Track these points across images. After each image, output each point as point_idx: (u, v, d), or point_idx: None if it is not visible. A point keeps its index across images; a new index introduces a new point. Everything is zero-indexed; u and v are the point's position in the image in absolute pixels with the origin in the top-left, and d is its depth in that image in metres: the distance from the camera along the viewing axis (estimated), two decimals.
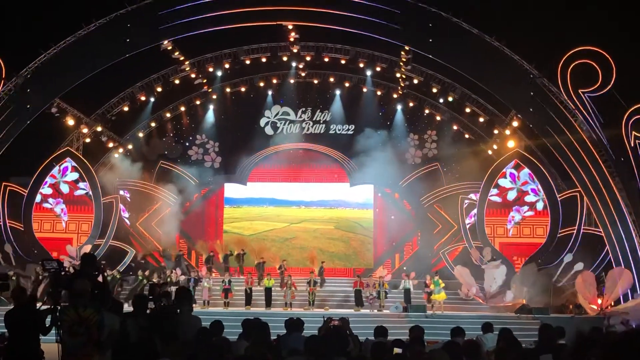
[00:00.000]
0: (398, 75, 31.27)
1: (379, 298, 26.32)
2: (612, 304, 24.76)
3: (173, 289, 24.63)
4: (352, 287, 27.11)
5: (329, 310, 24.77)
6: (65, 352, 7.24)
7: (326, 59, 31.50)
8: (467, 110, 31.37)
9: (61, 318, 7.32)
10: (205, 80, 32.56)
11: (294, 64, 32.33)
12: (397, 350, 8.36)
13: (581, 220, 27.40)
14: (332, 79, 33.30)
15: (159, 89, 31.47)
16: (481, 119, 31.36)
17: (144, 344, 6.31)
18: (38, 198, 29.38)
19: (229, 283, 26.58)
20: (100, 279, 8.24)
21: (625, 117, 25.37)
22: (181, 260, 31.15)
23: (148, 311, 8.74)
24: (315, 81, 33.84)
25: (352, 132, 33.74)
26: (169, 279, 26.58)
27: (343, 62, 31.42)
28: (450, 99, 31.16)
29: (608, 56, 25.08)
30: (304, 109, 34.22)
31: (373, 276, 29.80)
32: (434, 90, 31.18)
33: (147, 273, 27.98)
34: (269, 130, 34.09)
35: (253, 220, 34.22)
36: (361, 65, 31.26)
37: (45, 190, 29.69)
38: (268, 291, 26.49)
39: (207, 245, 32.09)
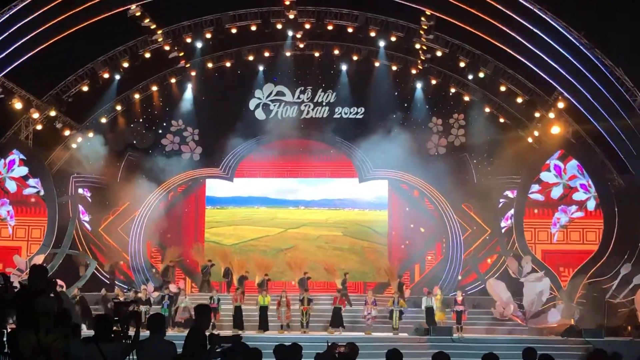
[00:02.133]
0: (417, 46, 31.18)
1: (392, 319, 26.34)
2: None
3: (144, 308, 24.85)
4: (354, 305, 27.26)
5: (334, 334, 24.79)
6: None
7: (329, 27, 31.43)
8: (502, 88, 31.28)
9: (16, 344, 7.25)
10: (182, 54, 32.47)
11: (290, 33, 32.24)
12: None
13: None
14: (336, 52, 33.23)
15: (126, 65, 31.39)
16: (519, 100, 31.28)
17: None
18: None
19: (217, 301, 26.61)
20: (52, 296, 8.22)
21: None
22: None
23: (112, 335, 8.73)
24: (317, 54, 33.76)
25: (361, 116, 33.71)
26: (137, 297, 26.51)
27: (350, 30, 31.33)
28: (481, 74, 31.07)
29: None
30: (302, 88, 34.17)
31: (388, 292, 29.81)
32: (462, 64, 31.10)
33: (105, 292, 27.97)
34: (260, 114, 34.05)
35: (238, 225, 34.19)
36: (372, 34, 31.17)
37: None
38: (263, 311, 26.46)
39: (179, 252, 32.20)
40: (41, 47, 26.77)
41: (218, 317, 26.36)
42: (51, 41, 26.78)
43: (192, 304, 26.75)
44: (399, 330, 26.12)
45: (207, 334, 8.66)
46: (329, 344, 10.80)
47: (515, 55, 27.28)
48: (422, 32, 29.67)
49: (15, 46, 26.90)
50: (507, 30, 26.36)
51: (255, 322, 26.54)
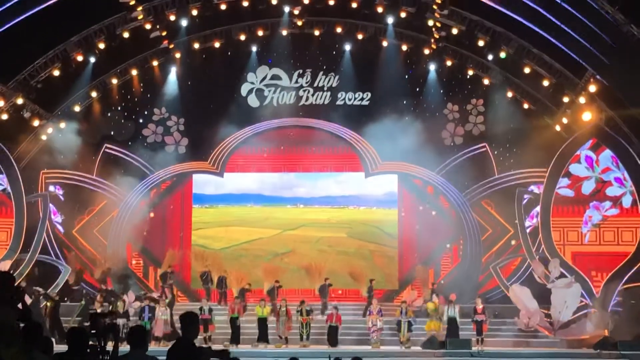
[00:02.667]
0: (431, 23, 31.13)
1: (400, 331, 26.34)
2: None
3: (121, 321, 24.82)
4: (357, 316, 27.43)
5: (339, 348, 24.84)
6: None
7: (331, 2, 31.39)
8: (527, 70, 31.25)
9: None
10: (165, 33, 32.41)
11: (286, 9, 32.23)
12: None
13: None
14: (339, 30, 33.17)
15: (102, 46, 31.35)
16: (546, 83, 31.25)
17: None
18: None
19: (209, 312, 26.61)
20: (20, 306, 8.21)
21: None
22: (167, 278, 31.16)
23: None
24: (317, 33, 33.73)
25: (367, 103, 33.76)
26: (115, 308, 26.50)
27: (354, 5, 31.30)
28: (502, 55, 31.03)
29: None
30: (300, 71, 34.20)
31: (397, 300, 29.85)
32: (480, 43, 31.06)
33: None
34: (253, 101, 34.07)
35: (228, 226, 34.18)
36: (380, 10, 31.14)
37: None
38: (262, 323, 26.51)
39: (174, 255, 32.33)
40: (6, 26, 26.67)
41: (212, 328, 26.45)
42: (17, 19, 26.69)
43: (175, 314, 26.80)
44: (410, 343, 26.11)
45: (197, 345, 8.63)
46: (332, 359, 10.79)
47: (540, 32, 27.21)
48: (435, 6, 29.59)
49: None
50: (532, 4, 26.29)
51: (252, 335, 26.59)
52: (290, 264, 33.04)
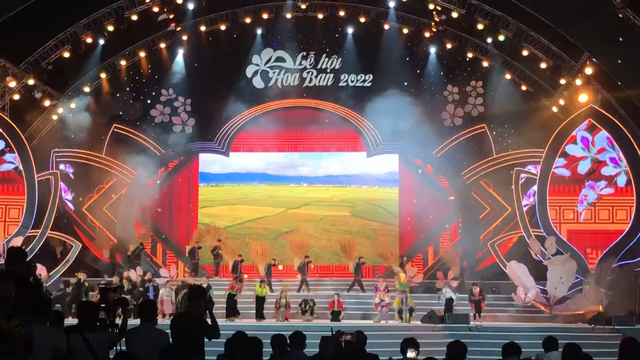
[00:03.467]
0: (431, 6, 31.07)
1: (401, 316, 26.37)
2: None
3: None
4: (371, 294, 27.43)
5: (342, 322, 24.91)
6: None
7: None
8: (525, 53, 31.20)
9: None
10: (172, 16, 32.36)
11: None
12: None
13: None
14: (342, 13, 33.11)
15: (111, 28, 31.31)
16: (543, 65, 31.19)
17: None
18: None
19: (207, 289, 26.65)
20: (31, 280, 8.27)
21: None
22: (141, 255, 31.29)
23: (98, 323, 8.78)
24: (320, 16, 33.67)
25: (369, 84, 33.67)
26: (121, 283, 26.55)
27: None
28: (501, 38, 30.97)
29: None
30: (304, 53, 34.11)
31: (396, 277, 29.90)
32: (480, 26, 30.98)
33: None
34: (258, 82, 34.01)
35: (234, 205, 34.24)
36: None
37: None
38: (260, 301, 26.63)
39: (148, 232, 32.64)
40: (17, 9, 26.61)
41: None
42: (28, 2, 26.63)
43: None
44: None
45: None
46: (334, 332, 10.84)
47: (538, 16, 27.14)
48: None
49: None
50: None
51: (249, 310, 26.74)
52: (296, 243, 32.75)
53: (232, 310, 26.40)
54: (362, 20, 33.29)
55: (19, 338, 6.96)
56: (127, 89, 34.42)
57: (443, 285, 27.80)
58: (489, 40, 31.58)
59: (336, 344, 10.16)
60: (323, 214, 33.88)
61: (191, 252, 31.61)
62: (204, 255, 31.69)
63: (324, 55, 34.04)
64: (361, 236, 33.33)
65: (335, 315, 26.45)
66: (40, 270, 26.45)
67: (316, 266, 31.86)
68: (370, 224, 33.73)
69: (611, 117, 28.91)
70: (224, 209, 34.18)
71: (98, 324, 8.76)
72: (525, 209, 30.23)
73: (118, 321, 9.16)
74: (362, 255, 30.77)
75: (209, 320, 9.13)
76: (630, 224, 28.00)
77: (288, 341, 9.52)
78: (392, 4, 31.95)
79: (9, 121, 30.15)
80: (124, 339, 8.81)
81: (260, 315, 26.56)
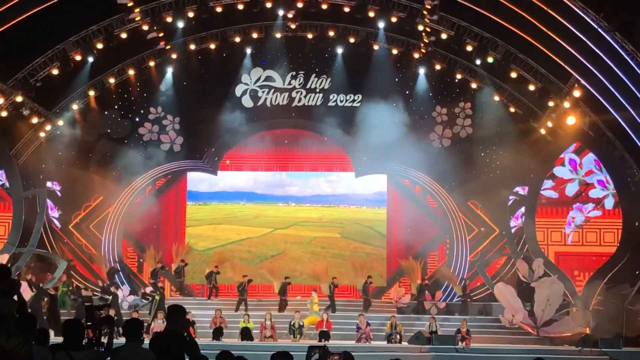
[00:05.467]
0: (421, 28, 31.19)
1: (390, 341, 26.24)
2: None
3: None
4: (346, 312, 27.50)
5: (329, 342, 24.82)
6: None
7: (324, 6, 31.37)
8: (513, 75, 31.31)
9: None
10: (161, 35, 32.38)
11: (280, 13, 32.20)
12: None
13: None
14: (332, 33, 33.18)
15: (100, 46, 31.30)
16: (531, 87, 31.30)
17: None
18: None
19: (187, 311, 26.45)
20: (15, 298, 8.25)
21: None
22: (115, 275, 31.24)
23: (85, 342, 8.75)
24: (310, 36, 33.73)
25: (358, 104, 33.69)
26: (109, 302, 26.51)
27: (347, 10, 31.31)
28: (490, 60, 31.08)
29: None
30: (294, 73, 34.16)
31: (386, 296, 29.92)
32: (469, 48, 31.12)
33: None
34: (247, 102, 34.04)
35: (218, 224, 34.14)
36: (371, 14, 31.11)
37: None
38: (246, 331, 26.20)
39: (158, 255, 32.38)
40: (6, 25, 26.61)
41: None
42: (18, 19, 26.64)
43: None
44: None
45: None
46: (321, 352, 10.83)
47: (527, 38, 27.29)
48: (425, 12, 29.63)
49: None
50: (519, 11, 26.35)
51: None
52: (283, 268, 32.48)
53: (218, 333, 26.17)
54: (352, 40, 33.39)
55: (19, 357, 6.92)
56: (116, 107, 34.37)
57: (430, 306, 27.84)
58: (478, 62, 31.66)
59: None
60: (312, 235, 33.79)
61: (177, 271, 31.46)
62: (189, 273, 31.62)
63: (314, 75, 34.12)
64: (354, 259, 32.90)
65: (324, 335, 26.32)
66: (25, 288, 26.44)
67: (300, 286, 31.88)
68: (364, 248, 33.45)
69: (599, 139, 29.04)
70: (207, 229, 34.04)
71: (84, 342, 8.73)
72: (513, 230, 30.32)
73: (104, 340, 9.13)
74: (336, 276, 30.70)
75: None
76: (617, 247, 28.06)
77: None
78: (381, 25, 32.01)
79: None
80: (109, 358, 8.78)
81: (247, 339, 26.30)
